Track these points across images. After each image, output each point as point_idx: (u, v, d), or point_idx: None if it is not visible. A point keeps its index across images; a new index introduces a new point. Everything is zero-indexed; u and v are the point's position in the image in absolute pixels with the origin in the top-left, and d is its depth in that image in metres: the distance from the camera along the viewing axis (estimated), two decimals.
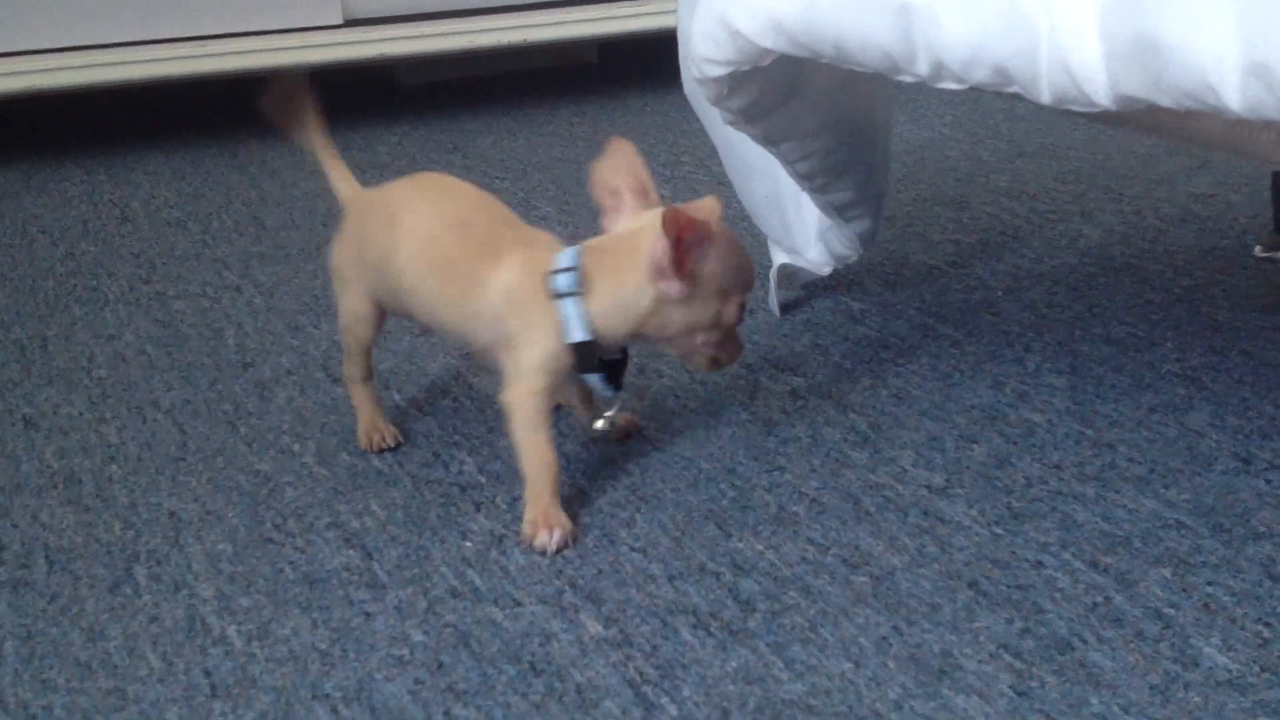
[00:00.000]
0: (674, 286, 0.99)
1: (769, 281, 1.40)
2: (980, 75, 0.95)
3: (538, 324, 1.01)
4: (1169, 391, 1.18)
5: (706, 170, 1.93)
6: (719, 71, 1.05)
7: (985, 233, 1.63)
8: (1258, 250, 1.48)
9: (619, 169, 1.05)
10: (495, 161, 2.04)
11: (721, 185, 1.86)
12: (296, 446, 1.16)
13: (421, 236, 1.05)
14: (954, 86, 0.97)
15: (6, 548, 1.02)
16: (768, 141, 1.20)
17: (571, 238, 1.06)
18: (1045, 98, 0.93)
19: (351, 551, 0.99)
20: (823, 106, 1.21)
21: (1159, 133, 1.19)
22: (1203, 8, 0.83)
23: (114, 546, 1.01)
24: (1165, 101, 0.87)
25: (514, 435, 1.01)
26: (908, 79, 0.99)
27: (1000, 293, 1.43)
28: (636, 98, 2.41)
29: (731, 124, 1.17)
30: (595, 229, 1.06)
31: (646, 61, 2.61)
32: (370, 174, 1.98)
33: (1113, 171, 1.84)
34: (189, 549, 1.01)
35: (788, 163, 1.24)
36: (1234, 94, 0.82)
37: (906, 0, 0.95)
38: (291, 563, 0.98)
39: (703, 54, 1.05)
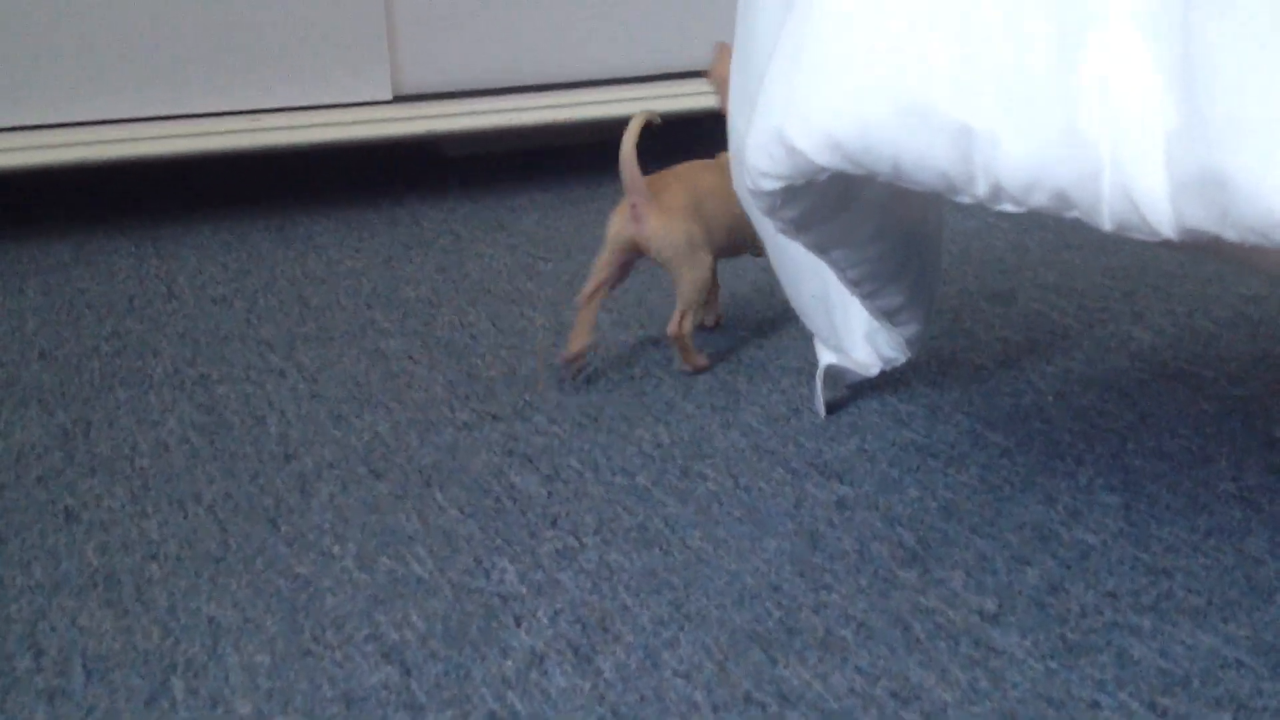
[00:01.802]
0: None
1: (815, 382, 1.38)
2: (1040, 199, 0.94)
3: None
4: (1225, 514, 1.16)
5: (749, 257, 1.92)
6: (774, 185, 1.04)
7: (1034, 331, 1.61)
8: None
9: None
10: (540, 241, 2.04)
11: (764, 272, 1.85)
12: (337, 549, 1.15)
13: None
14: (1012, 209, 0.96)
15: (45, 652, 1.01)
16: (819, 250, 1.19)
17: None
18: (1107, 225, 0.92)
19: (390, 667, 0.98)
20: (876, 215, 1.20)
21: (1220, 258, 1.17)
22: (1274, 144, 0.81)
23: (152, 655, 1.00)
24: (1231, 236, 0.85)
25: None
26: (965, 200, 0.98)
27: (1050, 398, 1.41)
28: None
29: (783, 232, 1.16)
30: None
31: (690, 138, 2.61)
32: (416, 251, 1.99)
33: (1161, 268, 1.81)
34: (227, 659, 1.00)
35: (838, 270, 1.23)
36: None
37: (966, 122, 0.94)
38: (330, 678, 0.97)
39: (758, 167, 1.04)
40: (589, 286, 1.48)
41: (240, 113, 2.13)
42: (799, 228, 1.14)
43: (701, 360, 1.52)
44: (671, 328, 1.47)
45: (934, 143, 0.95)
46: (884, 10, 0.95)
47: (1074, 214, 0.93)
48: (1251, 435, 1.30)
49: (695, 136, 2.61)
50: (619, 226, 1.47)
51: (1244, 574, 1.06)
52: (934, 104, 0.94)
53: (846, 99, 0.97)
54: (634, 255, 1.49)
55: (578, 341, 1.48)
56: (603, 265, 1.48)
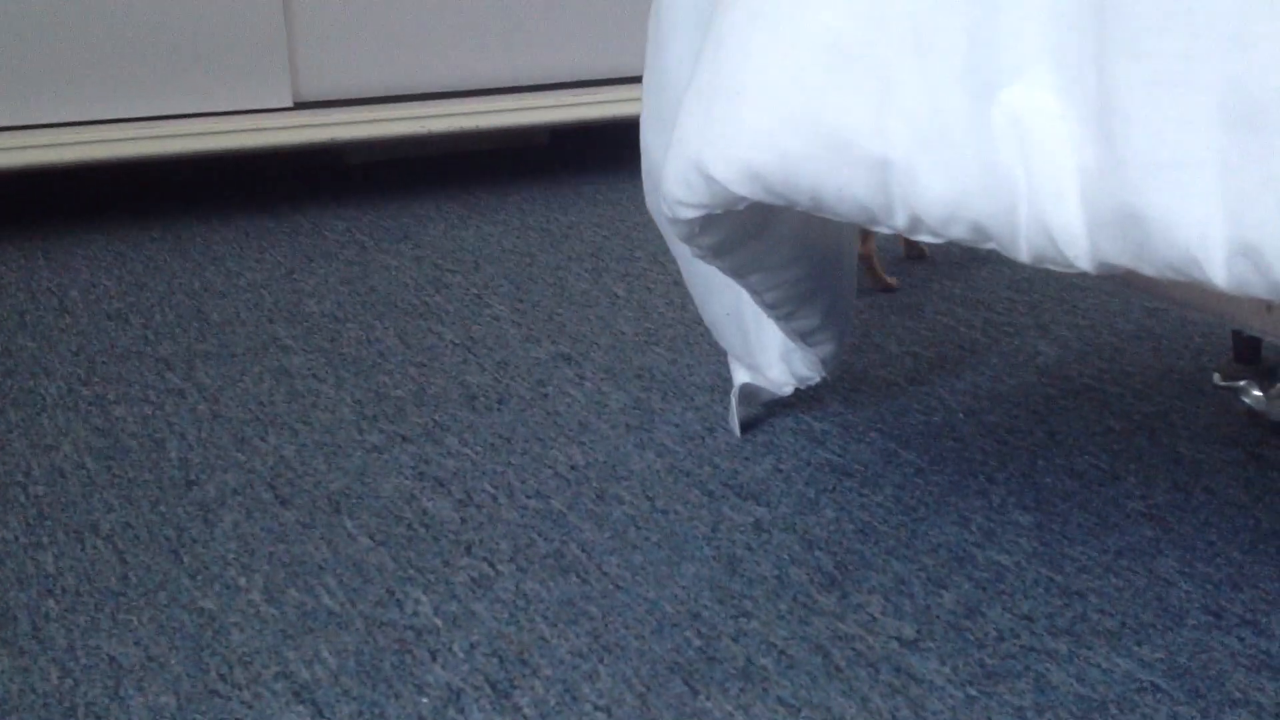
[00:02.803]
0: None
1: (730, 401, 1.38)
2: (958, 231, 0.94)
3: None
4: (1135, 533, 1.17)
5: (662, 267, 1.91)
6: (691, 214, 1.03)
7: (943, 345, 1.62)
8: (1216, 378, 1.48)
9: None
10: (446, 252, 2.01)
11: (677, 285, 1.85)
12: (243, 580, 1.11)
13: None
14: (931, 240, 0.96)
15: None
16: (736, 274, 1.19)
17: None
18: (1024, 257, 0.92)
19: (301, 707, 0.95)
20: (792, 240, 1.20)
21: (1134, 288, 1.19)
22: (1188, 183, 0.82)
23: (51, 698, 0.96)
24: (1147, 271, 0.86)
25: None
26: (885, 230, 0.98)
27: (961, 415, 1.42)
28: (589, 184, 2.39)
29: (700, 258, 1.15)
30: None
31: (599, 145, 2.60)
32: (319, 262, 1.95)
33: (1065, 280, 1.84)
34: (130, 701, 0.96)
35: (754, 293, 1.23)
36: (1220, 271, 0.81)
37: (884, 154, 0.94)
38: None
39: (675, 196, 1.03)
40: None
41: (136, 119, 2.07)
42: (716, 254, 1.14)
43: (891, 280, 1.81)
44: (858, 248, 1.64)
45: (853, 175, 0.94)
46: (802, 42, 0.95)
47: (991, 246, 0.94)
48: (1158, 451, 1.33)
49: (607, 142, 2.60)
50: None
51: (1155, 595, 1.08)
52: (853, 136, 0.94)
53: (766, 130, 0.96)
54: None
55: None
56: None
